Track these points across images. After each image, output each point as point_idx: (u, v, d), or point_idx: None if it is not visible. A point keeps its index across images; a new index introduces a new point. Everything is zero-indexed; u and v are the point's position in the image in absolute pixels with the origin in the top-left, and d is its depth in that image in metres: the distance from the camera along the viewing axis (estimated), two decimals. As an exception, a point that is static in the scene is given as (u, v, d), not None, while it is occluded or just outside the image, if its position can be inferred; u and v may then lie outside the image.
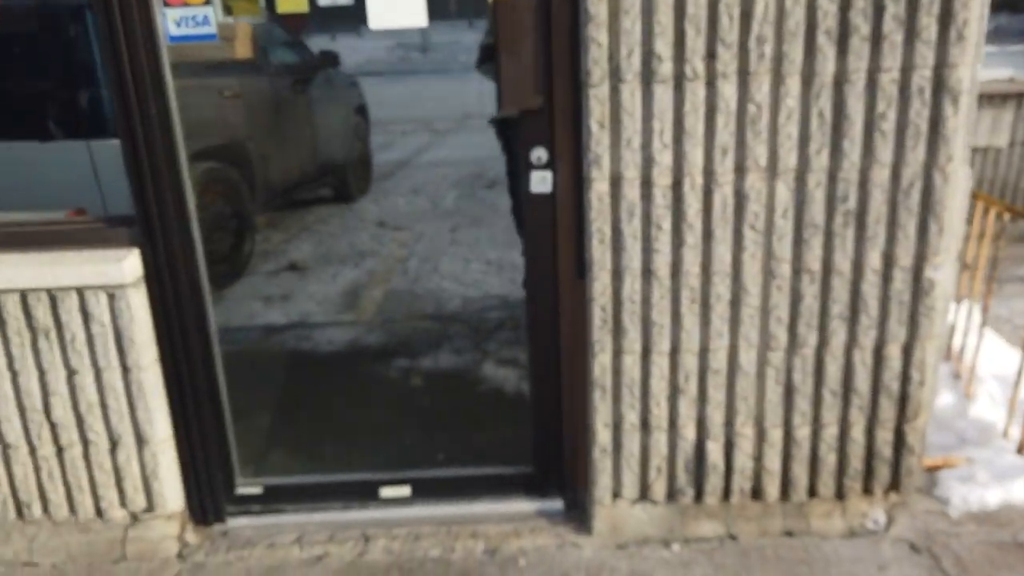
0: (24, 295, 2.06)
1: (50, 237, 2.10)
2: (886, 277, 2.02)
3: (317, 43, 6.05)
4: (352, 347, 3.66)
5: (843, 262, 2.01)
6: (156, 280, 2.12)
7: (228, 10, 1.99)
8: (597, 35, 1.87)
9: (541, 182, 2.08)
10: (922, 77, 1.89)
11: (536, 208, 2.10)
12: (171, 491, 2.30)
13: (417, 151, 8.87)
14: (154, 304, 2.13)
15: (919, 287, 2.02)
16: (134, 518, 2.32)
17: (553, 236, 2.12)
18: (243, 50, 4.96)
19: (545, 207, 2.10)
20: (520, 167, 2.09)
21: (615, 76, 1.91)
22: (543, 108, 2.00)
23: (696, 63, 1.89)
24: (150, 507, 2.30)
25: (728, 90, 1.91)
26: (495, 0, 1.89)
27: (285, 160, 5.59)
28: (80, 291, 2.07)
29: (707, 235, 2.02)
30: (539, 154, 2.05)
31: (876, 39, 1.88)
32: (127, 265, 2.05)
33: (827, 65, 1.90)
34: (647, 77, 1.91)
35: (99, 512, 2.31)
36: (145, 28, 1.94)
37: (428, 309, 4.27)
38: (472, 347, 3.60)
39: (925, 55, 1.88)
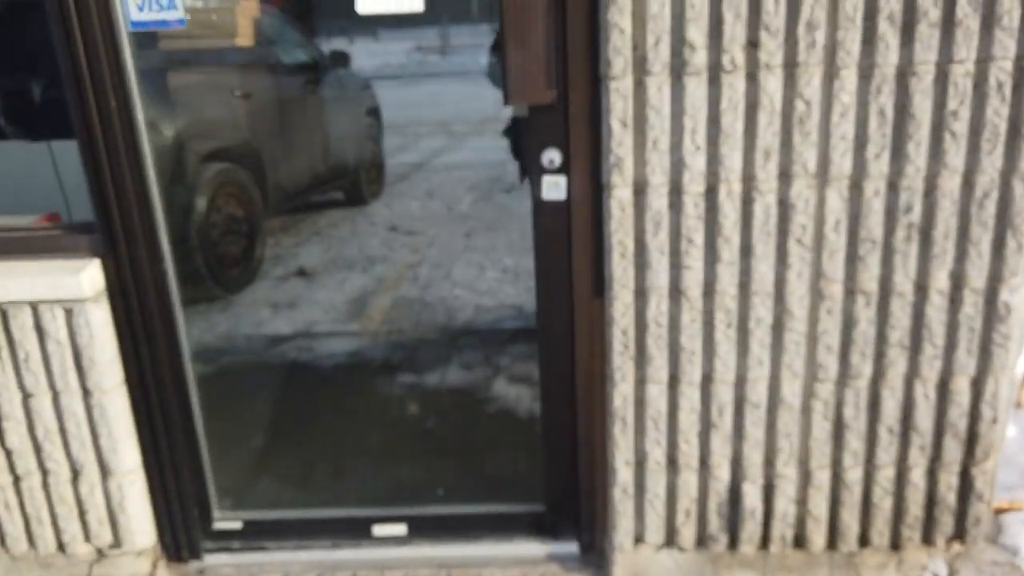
0: (-29, 312, 1.82)
1: (2, 245, 1.86)
2: (954, 300, 1.72)
3: (335, 46, 5.81)
4: (354, 360, 3.39)
5: (904, 283, 1.71)
6: (120, 294, 1.87)
7: (199, -10, 1.73)
8: (619, 20, 1.59)
9: (553, 188, 1.80)
10: (1001, 70, 1.59)
11: (547, 217, 1.82)
12: (140, 525, 2.04)
13: (433, 154, 8.62)
14: (118, 320, 1.88)
15: (993, 312, 1.72)
16: (100, 553, 2.06)
17: (567, 248, 1.84)
18: (245, 38, 4.72)
19: (558, 216, 1.82)
20: (530, 171, 1.82)
21: (640, 68, 1.63)
22: (556, 104, 1.72)
23: (735, 53, 1.60)
24: (117, 542, 2.04)
25: (772, 84, 1.62)
26: (502, -20, 1.61)
27: (297, 163, 5.35)
28: (34, 306, 1.81)
29: (746, 250, 1.73)
30: (551, 156, 1.77)
31: (948, 26, 1.58)
32: (86, 277, 1.79)
33: (889, 56, 1.60)
34: (677, 69, 1.62)
35: (61, 546, 2.06)
36: (102, 11, 1.69)
37: (438, 318, 4.00)
38: (483, 361, 3.33)
39: (1006, 45, 1.58)
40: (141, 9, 1.72)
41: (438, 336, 3.65)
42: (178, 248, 4.23)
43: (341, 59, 6.03)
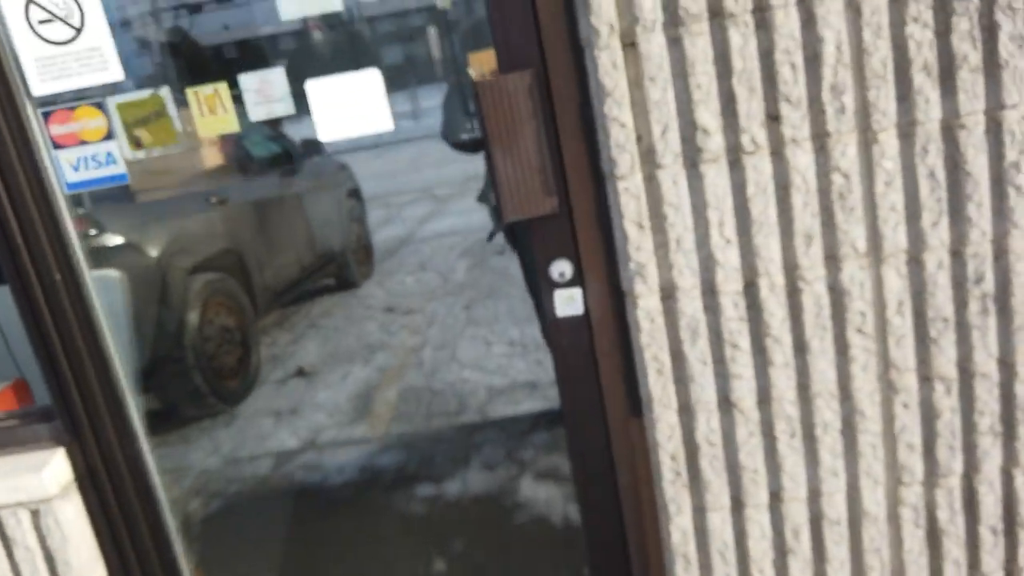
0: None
1: None
2: (1047, 375, 1.47)
3: (296, 130, 5.61)
4: (366, 474, 3.11)
5: (987, 362, 1.46)
6: (91, 484, 1.60)
7: (136, 142, 1.50)
8: (618, 113, 1.36)
9: (568, 303, 1.55)
10: (1061, 108, 1.36)
11: (565, 335, 1.57)
12: None
13: (420, 222, 8.43)
14: (92, 512, 1.61)
15: (1093, 382, 1.47)
16: None
17: (592, 367, 1.58)
18: (213, 157, 4.53)
19: (577, 333, 1.57)
20: (538, 281, 1.57)
21: (649, 162, 1.39)
22: (559, 211, 1.49)
23: (755, 131, 1.37)
24: None
25: (803, 160, 1.38)
26: (476, 82, 1.38)
27: (282, 259, 5.12)
28: (-5, 515, 1.55)
29: (800, 348, 1.47)
30: (561, 269, 1.53)
31: (992, 69, 1.35)
32: (49, 473, 1.52)
33: (931, 111, 1.37)
34: (692, 157, 1.39)
35: None
36: (32, 179, 1.46)
37: (450, 407, 3.74)
38: (505, 457, 3.05)
39: (1063, 79, 1.35)
40: (76, 169, 1.49)
41: (453, 432, 3.38)
42: (174, 367, 4.02)
43: (314, 146, 5.84)
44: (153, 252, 3.90)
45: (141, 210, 4.11)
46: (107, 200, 3.83)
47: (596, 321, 1.55)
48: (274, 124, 5.52)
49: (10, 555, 1.59)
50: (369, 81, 1.47)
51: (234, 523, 2.88)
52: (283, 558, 2.60)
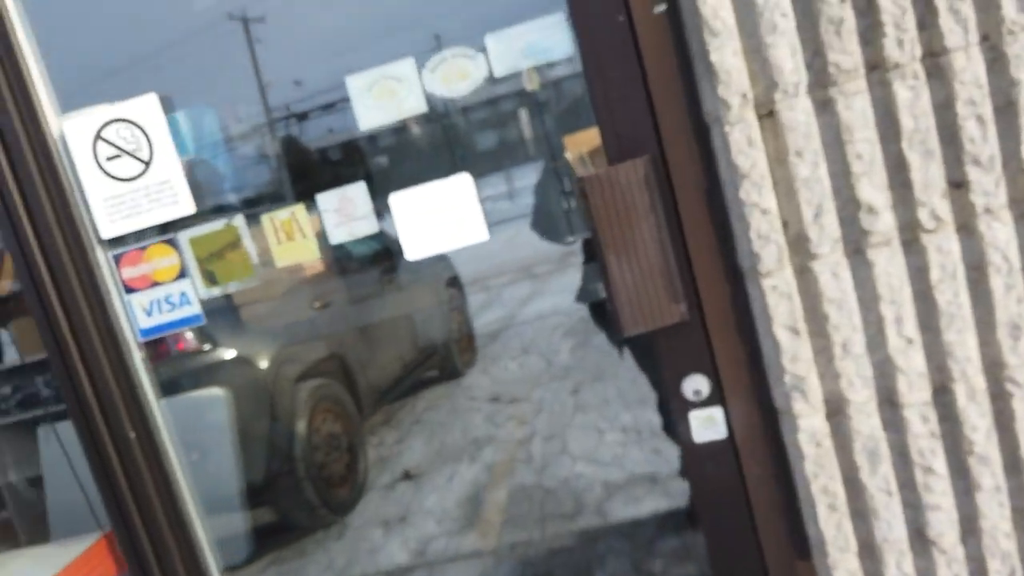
0: None
1: None
2: None
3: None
4: (483, 595, 2.83)
5: None
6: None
7: (211, 278, 1.35)
8: (758, 199, 1.10)
9: (708, 425, 1.27)
10: None
11: (706, 464, 1.28)
12: None
13: (520, 303, 8.27)
14: None
15: None
16: None
17: (744, 502, 1.28)
18: (314, 265, 4.50)
19: (721, 461, 1.28)
20: (667, 400, 1.30)
21: (801, 252, 1.12)
22: (689, 319, 1.22)
23: (935, 203, 1.08)
24: None
25: (1001, 233, 1.08)
26: (582, 178, 1.16)
27: (385, 357, 5.01)
28: None
29: (1014, 466, 1.13)
30: (696, 386, 1.25)
31: None
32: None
33: None
34: (856, 242, 1.10)
35: None
36: (103, 329, 1.32)
37: (564, 508, 3.42)
38: (632, 570, 2.71)
39: None
40: (149, 314, 1.35)
41: (571, 540, 3.06)
42: (286, 479, 3.89)
43: (410, 241, 5.78)
44: (262, 363, 3.83)
45: (245, 321, 4.08)
46: (211, 313, 3.81)
47: (744, 446, 1.26)
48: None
49: None
50: (460, 188, 1.28)
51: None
52: None
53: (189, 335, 3.63)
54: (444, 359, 5.98)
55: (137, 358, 1.33)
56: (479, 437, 4.68)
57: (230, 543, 3.64)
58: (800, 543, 1.26)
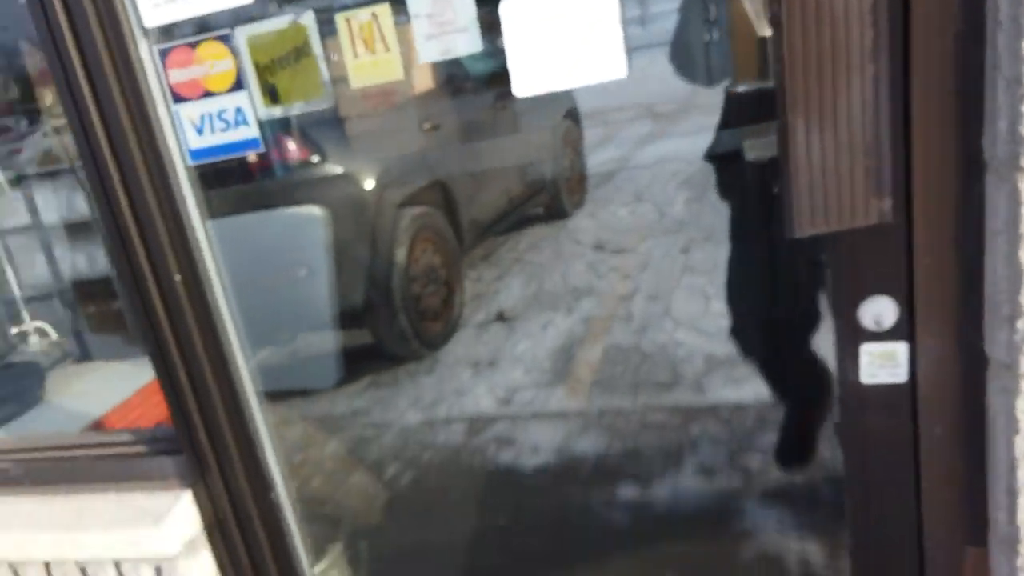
0: (48, 567, 1.31)
1: (61, 472, 1.33)
2: None
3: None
4: (562, 458, 2.70)
5: None
6: (221, 536, 1.28)
7: (271, 93, 1.08)
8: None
9: (884, 364, 0.95)
10: None
11: (871, 413, 0.98)
12: None
13: (638, 144, 7.73)
14: (223, 565, 1.30)
15: None
16: None
17: (913, 463, 0.98)
18: (424, 77, 4.15)
19: (894, 410, 0.96)
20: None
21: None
22: (890, 223, 0.87)
23: None
24: None
25: None
26: (777, 1, 0.78)
27: (491, 189, 4.75)
28: (117, 564, 1.28)
29: None
30: (879, 312, 0.92)
31: None
32: (171, 526, 1.22)
33: None
34: None
35: None
36: (148, 147, 1.09)
37: (660, 376, 3.21)
38: (726, 463, 2.50)
39: None
40: (200, 132, 1.10)
41: (664, 416, 2.86)
42: (381, 308, 3.83)
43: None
44: (367, 184, 3.64)
45: (351, 138, 3.86)
46: (313, 124, 3.60)
47: (927, 398, 0.94)
48: (493, 34, 5.06)
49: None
50: (596, 4, 0.92)
51: (415, 509, 2.60)
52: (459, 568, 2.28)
53: (292, 145, 3.45)
54: (552, 197, 5.68)
55: (185, 182, 1.11)
56: (579, 287, 4.47)
57: (321, 362, 3.66)
58: (976, 529, 0.97)
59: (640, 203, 5.90)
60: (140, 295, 1.13)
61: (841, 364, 0.96)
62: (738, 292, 2.19)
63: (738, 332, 2.37)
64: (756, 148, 1.85)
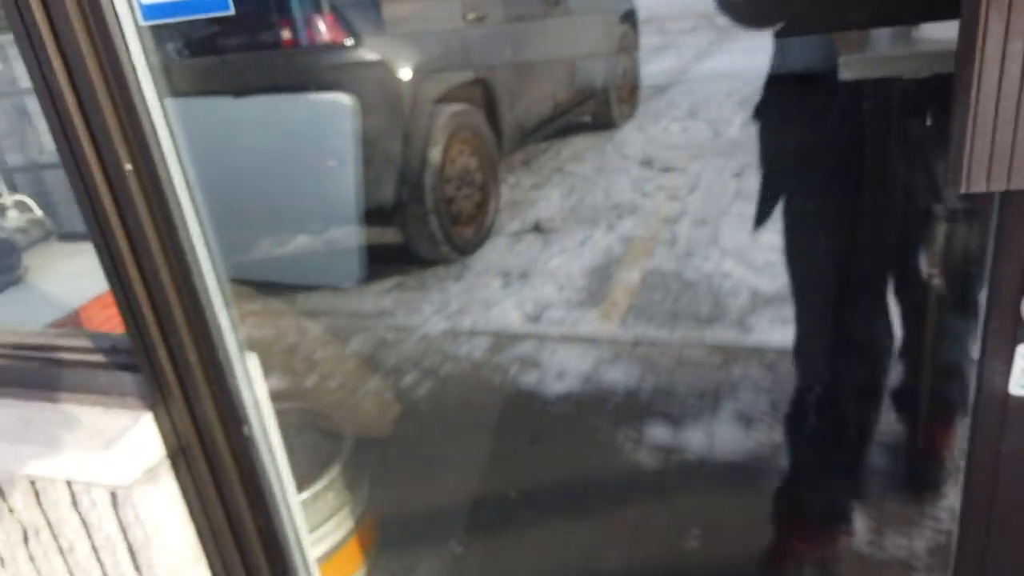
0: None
1: (8, 374, 1.13)
2: None
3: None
4: (589, 387, 2.49)
5: None
6: (185, 463, 1.08)
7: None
8: None
9: (1050, 373, 0.68)
10: None
11: (1016, 427, 0.71)
12: None
13: (697, 56, 7.19)
14: (189, 500, 1.10)
15: None
16: None
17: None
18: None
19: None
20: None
21: None
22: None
23: None
24: None
25: None
26: None
27: (536, 92, 4.38)
28: (69, 484, 1.09)
29: None
30: (1060, 303, 0.64)
31: None
32: (126, 450, 1.01)
33: None
34: None
35: None
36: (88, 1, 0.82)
37: (701, 309, 2.96)
38: (767, 412, 2.26)
39: None
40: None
41: (702, 354, 2.62)
42: (412, 208, 3.58)
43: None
44: (404, 74, 3.31)
45: (389, 23, 3.50)
46: (350, 7, 3.25)
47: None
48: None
49: (90, 537, 1.15)
50: None
51: (432, 425, 2.42)
52: (466, 498, 2.11)
53: (323, 25, 3.12)
54: (600, 105, 5.29)
55: (137, 50, 0.84)
56: (622, 203, 4.16)
57: (346, 259, 3.46)
58: None
59: (694, 120, 5.48)
60: (84, 186, 0.89)
61: (985, 368, 0.69)
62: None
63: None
64: (859, 66, 1.47)
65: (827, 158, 1.54)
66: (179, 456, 1.07)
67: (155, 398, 1.03)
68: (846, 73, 1.53)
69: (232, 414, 1.05)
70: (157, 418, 1.04)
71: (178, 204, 0.92)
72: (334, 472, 1.57)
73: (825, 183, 1.53)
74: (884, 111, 1.48)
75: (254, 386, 1.06)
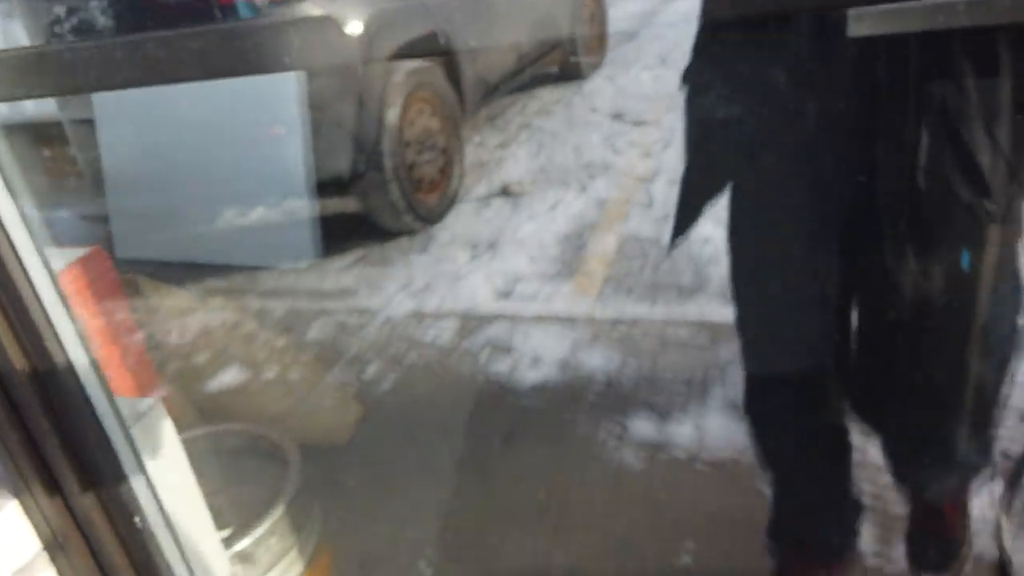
0: None
1: None
2: None
3: None
4: (565, 375, 2.26)
5: None
6: (65, 555, 0.84)
7: None
8: None
9: None
10: None
11: None
12: None
13: (666, -1, 6.83)
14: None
15: None
16: None
17: None
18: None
19: None
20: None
21: None
22: None
23: None
24: None
25: None
26: None
27: (499, 46, 4.05)
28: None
29: None
30: None
31: None
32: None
33: None
34: None
35: None
36: None
37: (683, 278, 2.74)
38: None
39: None
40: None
41: (687, 334, 2.40)
42: (370, 177, 3.28)
43: None
44: (353, 31, 2.97)
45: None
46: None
47: None
48: None
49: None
50: None
51: (397, 427, 2.19)
52: (434, 511, 1.89)
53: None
54: (566, 55, 4.97)
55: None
56: (593, 162, 3.89)
57: (297, 236, 3.17)
58: None
59: (665, 68, 5.18)
60: None
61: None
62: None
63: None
64: (874, 20, 1.19)
65: (797, 139, 1.11)
66: (57, 550, 0.82)
67: (17, 485, 0.78)
68: (858, 28, 1.22)
69: (117, 503, 0.80)
70: (25, 507, 0.79)
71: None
72: (277, 513, 1.33)
73: (793, 175, 1.12)
74: (895, 75, 1.13)
75: (153, 463, 0.81)
